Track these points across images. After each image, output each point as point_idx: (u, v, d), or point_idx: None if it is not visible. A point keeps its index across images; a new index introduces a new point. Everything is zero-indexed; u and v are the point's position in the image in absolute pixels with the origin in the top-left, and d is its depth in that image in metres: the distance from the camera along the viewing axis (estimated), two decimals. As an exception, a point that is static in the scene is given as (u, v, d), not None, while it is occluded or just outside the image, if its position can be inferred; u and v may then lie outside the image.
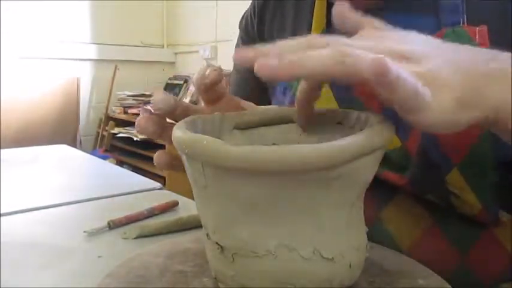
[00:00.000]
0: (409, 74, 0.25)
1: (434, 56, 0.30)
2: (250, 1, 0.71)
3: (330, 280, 0.31)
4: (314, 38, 0.30)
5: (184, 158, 0.31)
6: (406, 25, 0.48)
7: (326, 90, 0.51)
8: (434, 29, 0.46)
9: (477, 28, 0.44)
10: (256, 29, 0.66)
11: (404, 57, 0.29)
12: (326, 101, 0.51)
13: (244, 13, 0.70)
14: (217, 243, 0.31)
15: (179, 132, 0.30)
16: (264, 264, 0.30)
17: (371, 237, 0.47)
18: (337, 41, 0.29)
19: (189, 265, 0.40)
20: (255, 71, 0.27)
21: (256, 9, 0.66)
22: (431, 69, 0.28)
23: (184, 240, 0.46)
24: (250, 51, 0.30)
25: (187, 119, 0.35)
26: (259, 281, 0.30)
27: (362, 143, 0.27)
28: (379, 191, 0.47)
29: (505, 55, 0.31)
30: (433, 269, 0.45)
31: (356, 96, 0.49)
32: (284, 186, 0.28)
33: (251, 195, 0.28)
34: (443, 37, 0.45)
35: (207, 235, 0.33)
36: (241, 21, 0.70)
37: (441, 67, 0.29)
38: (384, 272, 0.38)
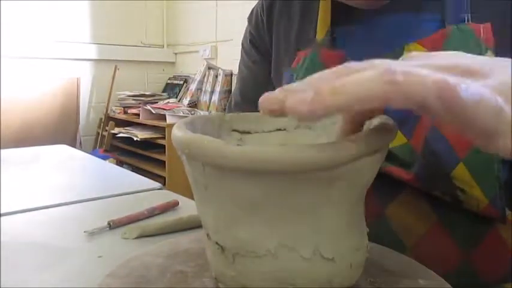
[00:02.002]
0: (485, 91, 0.21)
1: (498, 67, 0.24)
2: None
3: (330, 280, 0.31)
4: (351, 63, 0.25)
5: (184, 158, 0.31)
6: (411, 24, 0.49)
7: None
8: (439, 27, 0.47)
9: (481, 25, 0.44)
10: (265, 26, 0.66)
11: (468, 72, 0.23)
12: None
13: (254, 7, 0.70)
14: (217, 243, 0.31)
15: (179, 133, 0.30)
16: (264, 264, 0.30)
17: (375, 233, 0.47)
18: (381, 63, 0.23)
19: (190, 265, 0.40)
20: (288, 112, 0.23)
21: (264, 7, 0.66)
22: (504, 82, 0.23)
23: (185, 240, 0.46)
24: (278, 93, 0.24)
25: (186, 119, 0.35)
26: (260, 281, 0.30)
27: (362, 144, 0.27)
28: (384, 187, 0.47)
29: None
30: (436, 267, 0.45)
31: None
32: (284, 186, 0.27)
33: (251, 195, 0.28)
34: (449, 35, 0.45)
35: (207, 235, 0.33)
36: (250, 16, 0.70)
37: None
38: (384, 272, 0.38)
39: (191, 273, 0.38)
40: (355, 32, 0.53)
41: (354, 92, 0.22)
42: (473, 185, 0.43)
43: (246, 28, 0.71)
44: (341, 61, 0.42)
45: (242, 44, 0.72)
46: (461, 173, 0.43)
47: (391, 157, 0.46)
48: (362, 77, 0.22)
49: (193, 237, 0.47)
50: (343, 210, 0.30)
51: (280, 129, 0.40)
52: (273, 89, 0.26)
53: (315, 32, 0.56)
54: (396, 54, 0.38)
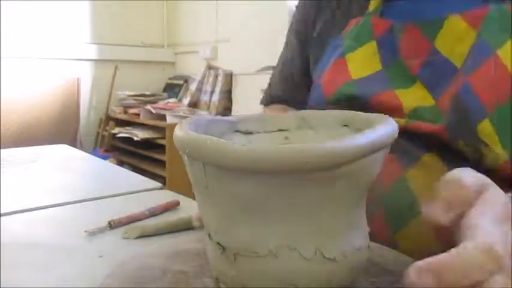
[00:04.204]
0: None
1: None
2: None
3: (331, 280, 0.31)
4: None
5: (185, 158, 0.31)
6: (452, 2, 0.52)
7: (373, 52, 0.56)
8: (481, 3, 0.50)
9: None
10: (312, 13, 0.70)
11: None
12: (370, 63, 0.56)
13: None
14: (218, 243, 0.31)
15: (180, 133, 0.30)
16: (265, 264, 0.30)
17: (393, 194, 0.49)
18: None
19: (190, 265, 0.40)
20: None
21: None
22: None
23: (185, 240, 0.46)
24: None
25: (189, 119, 0.35)
26: (261, 282, 0.30)
27: (364, 143, 0.27)
28: (408, 150, 0.50)
29: None
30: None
31: (402, 60, 0.54)
32: (286, 185, 0.27)
33: (252, 195, 0.28)
34: (489, 13, 0.48)
35: (209, 235, 0.32)
36: (299, 3, 0.75)
37: None
38: (385, 272, 0.38)
39: (192, 273, 0.38)
40: (402, 4, 0.58)
41: None
42: (495, 141, 0.45)
43: (293, 15, 0.76)
44: (388, 28, 0.56)
45: (288, 32, 0.77)
46: (485, 127, 0.45)
47: (418, 115, 0.50)
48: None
49: (193, 237, 0.47)
50: (345, 209, 0.30)
51: (282, 130, 0.40)
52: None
53: (366, 6, 0.60)
54: (436, 25, 0.51)
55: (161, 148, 2.92)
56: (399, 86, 0.53)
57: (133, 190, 0.78)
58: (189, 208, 0.68)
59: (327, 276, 0.30)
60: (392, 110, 0.50)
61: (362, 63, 0.57)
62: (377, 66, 0.56)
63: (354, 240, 0.31)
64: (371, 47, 0.57)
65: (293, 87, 0.74)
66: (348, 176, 0.28)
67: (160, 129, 2.94)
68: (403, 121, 0.50)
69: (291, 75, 0.74)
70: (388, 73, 0.55)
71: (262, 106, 0.80)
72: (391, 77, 0.54)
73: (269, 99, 0.78)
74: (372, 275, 0.37)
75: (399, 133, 0.31)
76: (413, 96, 0.51)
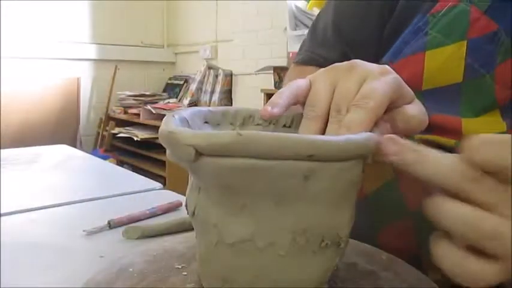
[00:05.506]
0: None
1: None
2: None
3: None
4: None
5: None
6: None
7: (460, 55, 0.45)
8: None
9: None
10: None
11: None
12: (451, 70, 0.46)
13: None
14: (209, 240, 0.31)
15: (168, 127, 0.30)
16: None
17: (385, 193, 0.47)
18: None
19: (182, 265, 0.39)
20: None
21: None
22: None
23: (176, 240, 0.46)
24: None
25: (172, 113, 0.34)
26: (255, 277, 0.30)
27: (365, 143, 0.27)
28: None
29: None
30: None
31: (491, 82, 0.45)
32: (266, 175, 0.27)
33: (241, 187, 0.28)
34: None
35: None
36: None
37: None
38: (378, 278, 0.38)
39: (186, 273, 0.38)
40: None
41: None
42: None
43: None
44: (489, 35, 0.45)
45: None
46: None
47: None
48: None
49: (188, 237, 0.46)
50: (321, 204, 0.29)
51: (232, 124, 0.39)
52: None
53: None
54: None
55: (161, 148, 2.92)
56: (469, 114, 0.45)
57: (133, 190, 0.78)
58: (189, 208, 0.68)
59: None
60: (449, 133, 0.44)
61: (442, 67, 0.46)
62: (457, 77, 0.45)
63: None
64: (460, 48, 0.45)
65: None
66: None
67: (160, 129, 2.94)
68: (452, 142, 0.43)
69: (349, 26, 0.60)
70: (464, 90, 0.45)
71: (293, 65, 0.68)
72: (466, 97, 0.45)
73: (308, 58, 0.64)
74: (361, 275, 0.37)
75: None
76: (480, 126, 0.44)
